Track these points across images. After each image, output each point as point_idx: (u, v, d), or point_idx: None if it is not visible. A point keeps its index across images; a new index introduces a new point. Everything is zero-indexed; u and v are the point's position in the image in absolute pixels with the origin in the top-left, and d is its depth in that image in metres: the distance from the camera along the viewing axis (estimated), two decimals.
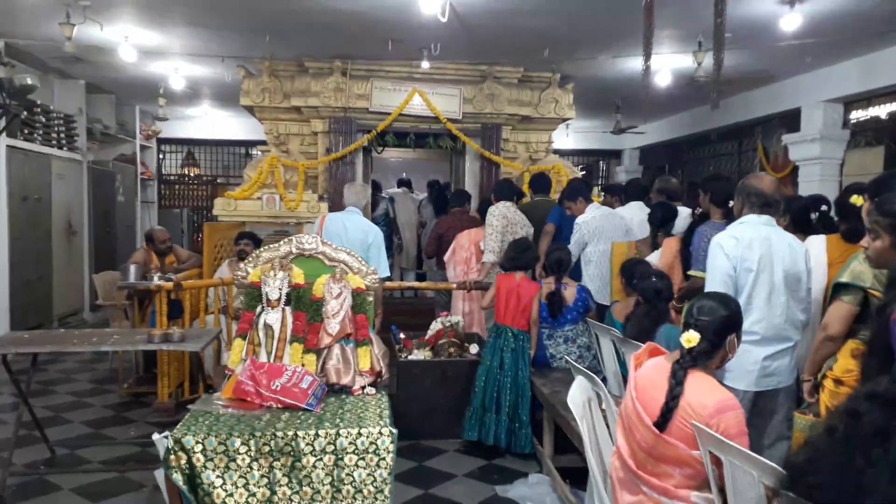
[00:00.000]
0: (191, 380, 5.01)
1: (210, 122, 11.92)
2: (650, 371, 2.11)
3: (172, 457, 2.87)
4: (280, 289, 3.72)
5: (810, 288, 2.97)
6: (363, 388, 3.59)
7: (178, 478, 2.85)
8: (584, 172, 8.52)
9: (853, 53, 6.49)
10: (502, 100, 7.14)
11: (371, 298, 3.94)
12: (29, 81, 6.31)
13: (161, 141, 12.39)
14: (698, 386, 1.99)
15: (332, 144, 7.02)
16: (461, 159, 7.59)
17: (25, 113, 6.94)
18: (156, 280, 4.98)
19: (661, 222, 4.26)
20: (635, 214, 4.97)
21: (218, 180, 13.01)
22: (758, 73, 7.38)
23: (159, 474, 3.10)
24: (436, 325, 4.76)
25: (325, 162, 6.99)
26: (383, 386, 3.72)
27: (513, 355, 4.09)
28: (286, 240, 3.95)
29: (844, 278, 2.52)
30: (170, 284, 4.75)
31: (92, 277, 6.26)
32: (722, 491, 1.85)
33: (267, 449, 2.92)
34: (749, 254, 2.77)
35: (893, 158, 6.65)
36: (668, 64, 6.77)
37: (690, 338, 2.05)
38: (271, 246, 3.94)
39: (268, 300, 3.70)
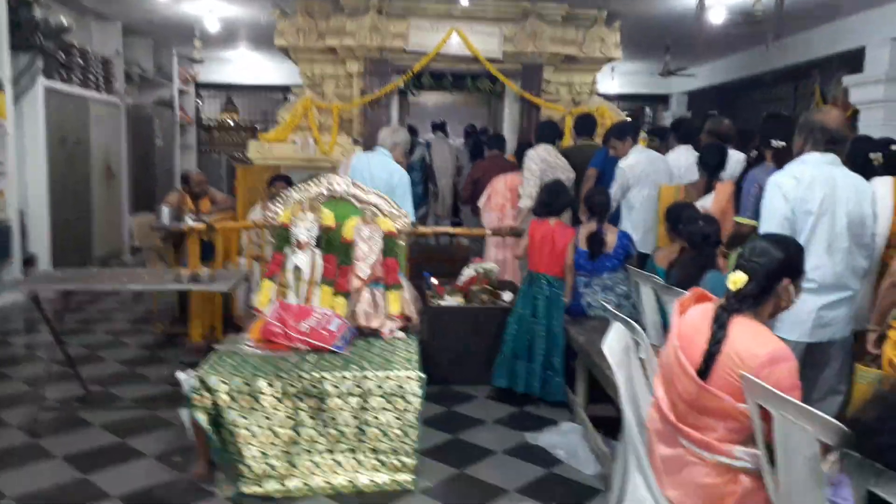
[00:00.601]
0: (223, 321, 5.00)
1: (248, 66, 11.80)
2: (695, 317, 1.94)
3: (196, 396, 2.83)
4: (309, 230, 3.62)
5: (875, 234, 2.73)
6: (392, 332, 3.51)
7: (201, 418, 2.81)
8: (629, 117, 8.13)
9: None
10: (545, 38, 6.80)
11: (402, 243, 3.83)
12: (64, 21, 6.24)
13: (200, 86, 12.35)
14: (747, 333, 1.82)
15: (367, 86, 6.82)
16: (500, 103, 7.32)
17: (62, 54, 6.91)
18: (188, 222, 4.94)
19: (713, 165, 4.00)
20: (683, 157, 4.70)
21: (257, 126, 12.95)
22: (821, 7, 6.87)
23: (184, 413, 3.09)
24: (468, 272, 4.63)
25: (360, 104, 6.81)
26: (414, 331, 3.62)
27: (546, 303, 3.95)
28: (316, 180, 3.83)
29: None
30: (202, 226, 4.71)
31: (129, 220, 6.26)
32: (769, 447, 1.70)
33: (292, 390, 2.86)
34: (810, 195, 2.54)
35: None
36: None
37: (737, 279, 1.86)
38: (301, 186, 3.84)
39: (297, 242, 3.61)
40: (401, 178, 4.23)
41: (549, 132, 5.17)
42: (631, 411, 2.06)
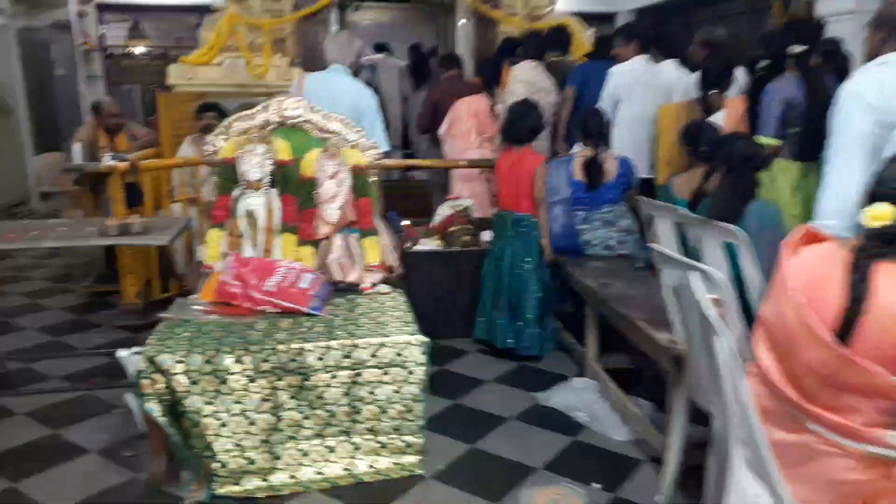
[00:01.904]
0: (160, 276, 4.33)
1: None
2: (815, 264, 1.51)
3: (146, 381, 2.25)
4: (261, 167, 3.00)
5: None
6: (374, 285, 2.98)
7: (154, 408, 2.25)
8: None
9: None
10: None
11: (374, 179, 3.25)
12: None
13: (102, 8, 10.93)
14: None
15: None
16: (451, 18, 6.65)
17: None
18: (108, 160, 4.18)
19: (716, 79, 3.55)
20: (670, 73, 4.24)
21: (170, 53, 11.67)
22: None
23: (131, 399, 2.50)
24: (444, 210, 4.10)
25: (294, 20, 6.00)
26: (396, 284, 3.11)
27: (511, 245, 3.49)
28: (262, 105, 3.17)
29: None
30: (124, 165, 3.96)
31: (33, 161, 5.37)
32: None
33: (267, 366, 2.32)
34: None
35: None
36: None
37: (882, 213, 1.43)
38: (244, 114, 3.17)
39: (247, 181, 2.99)
40: (369, 101, 3.61)
41: (535, 46, 4.57)
42: (730, 385, 1.63)
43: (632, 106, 4.02)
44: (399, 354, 2.41)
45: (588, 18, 12.51)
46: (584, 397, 2.96)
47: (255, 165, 2.98)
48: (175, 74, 5.56)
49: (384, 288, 2.97)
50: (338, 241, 3.05)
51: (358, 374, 2.39)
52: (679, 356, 2.21)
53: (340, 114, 3.25)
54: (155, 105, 5.29)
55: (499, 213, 3.62)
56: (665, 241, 2.92)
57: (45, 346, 3.69)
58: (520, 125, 3.50)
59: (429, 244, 3.92)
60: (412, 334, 2.44)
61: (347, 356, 2.37)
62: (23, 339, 3.78)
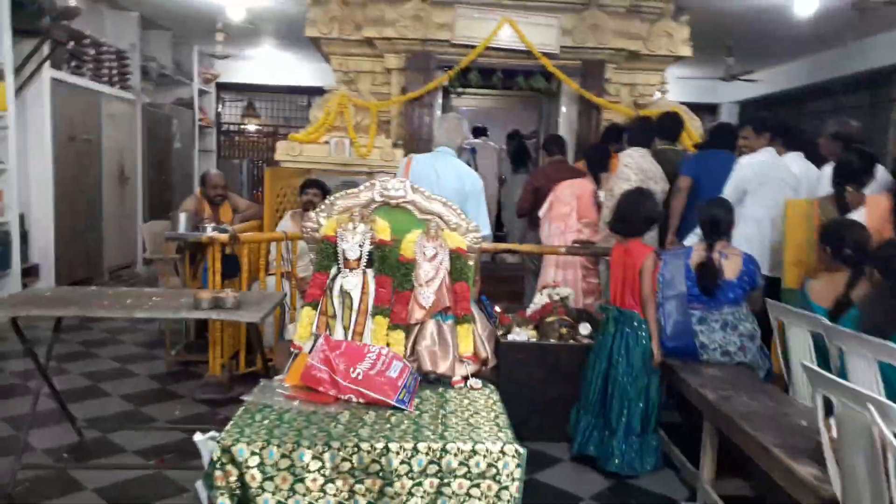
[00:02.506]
0: (247, 349, 4.27)
1: (272, 66, 11.14)
2: None
3: (219, 473, 2.09)
4: (361, 245, 2.88)
5: None
6: (465, 378, 2.75)
7: (224, 502, 2.06)
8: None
9: None
10: (606, 32, 6.06)
11: (471, 262, 3.07)
12: (72, 2, 5.58)
13: (220, 87, 11.73)
14: None
15: (409, 83, 6.11)
16: (554, 104, 6.58)
17: (72, 42, 6.25)
18: (209, 231, 4.23)
19: (855, 174, 3.23)
20: (797, 166, 3.92)
21: (279, 131, 12.30)
22: None
23: (201, 490, 2.33)
24: (541, 299, 3.87)
25: (401, 102, 6.10)
26: (487, 377, 2.87)
27: (611, 343, 3.19)
28: (367, 184, 3.09)
29: None
30: (225, 236, 3.99)
31: (142, 227, 5.57)
32: None
33: (347, 466, 2.11)
34: None
35: None
36: None
37: None
38: (349, 192, 3.10)
39: (345, 259, 2.87)
40: (473, 184, 3.50)
41: (644, 133, 4.38)
42: None
43: (760, 199, 3.71)
44: (491, 465, 2.14)
45: (692, 108, 12.33)
46: None
47: (354, 244, 2.87)
48: (283, 150, 5.70)
49: (476, 383, 2.73)
50: (430, 327, 2.86)
51: (445, 485, 2.13)
52: (832, 500, 1.83)
53: (445, 196, 3.13)
54: (260, 178, 5.42)
55: (604, 307, 3.34)
56: (799, 354, 2.56)
57: (125, 415, 3.64)
58: (633, 214, 3.26)
59: (522, 334, 3.67)
60: (507, 442, 2.17)
61: (435, 462, 2.13)
62: (105, 407, 3.76)
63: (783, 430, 2.36)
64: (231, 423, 2.23)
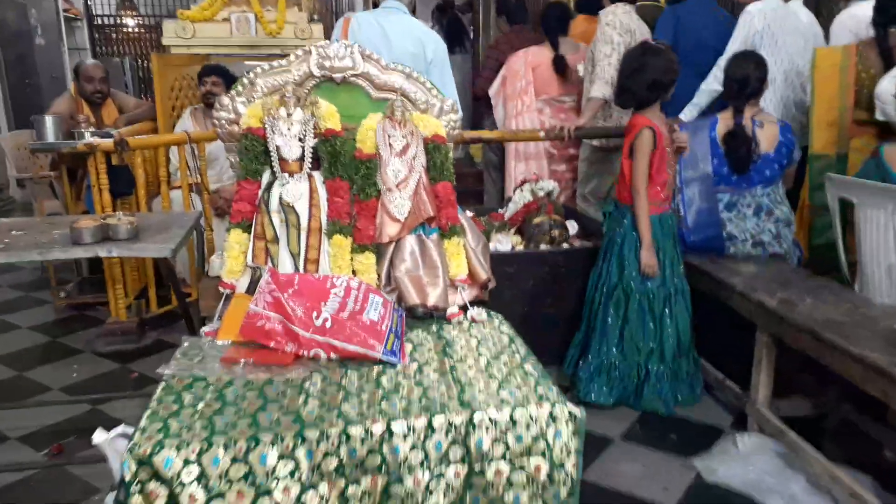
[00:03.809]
0: (158, 283, 3.43)
1: None
2: None
3: (138, 498, 1.35)
4: (301, 139, 2.08)
5: None
6: (464, 309, 2.07)
7: None
8: None
9: None
10: None
11: (451, 155, 2.32)
12: None
13: None
14: None
15: None
16: None
17: None
18: (87, 137, 3.26)
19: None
20: (806, 14, 3.30)
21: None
22: None
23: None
24: (521, 196, 3.18)
25: None
26: (487, 303, 2.21)
27: (619, 248, 2.59)
28: (299, 53, 2.23)
29: None
30: (109, 142, 3.04)
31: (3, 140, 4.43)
32: None
33: (334, 463, 1.43)
34: None
35: None
36: None
37: None
38: (273, 66, 2.23)
39: (281, 160, 2.08)
40: (437, 48, 2.70)
41: None
42: None
43: (772, 54, 3.07)
44: (539, 438, 1.51)
45: None
46: (764, 466, 2.07)
47: (292, 137, 2.06)
48: (172, 32, 4.58)
49: (479, 313, 2.07)
50: (409, 245, 2.14)
51: (476, 473, 1.49)
52: None
53: (401, 63, 2.32)
54: (146, 78, 4.36)
55: (612, 205, 2.70)
56: (877, 241, 2.01)
57: (5, 385, 2.79)
58: (635, 78, 2.54)
59: (505, 241, 3.01)
60: (556, 402, 1.53)
61: (458, 442, 1.48)
62: None
63: (879, 337, 1.84)
64: (146, 415, 1.48)
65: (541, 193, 3.15)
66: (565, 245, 2.97)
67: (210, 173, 3.68)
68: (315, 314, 1.78)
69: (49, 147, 3.32)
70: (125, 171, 3.28)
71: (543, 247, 2.95)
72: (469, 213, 3.19)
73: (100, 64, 4.07)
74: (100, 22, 10.49)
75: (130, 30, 10.60)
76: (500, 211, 3.38)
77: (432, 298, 2.04)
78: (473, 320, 2.03)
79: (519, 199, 3.19)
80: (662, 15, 3.68)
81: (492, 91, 4.12)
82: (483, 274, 2.15)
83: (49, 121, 3.41)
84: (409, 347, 1.85)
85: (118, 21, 10.57)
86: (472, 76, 5.52)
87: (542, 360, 2.09)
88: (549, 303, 2.81)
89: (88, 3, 10.12)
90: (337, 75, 2.22)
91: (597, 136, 3.48)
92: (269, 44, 4.69)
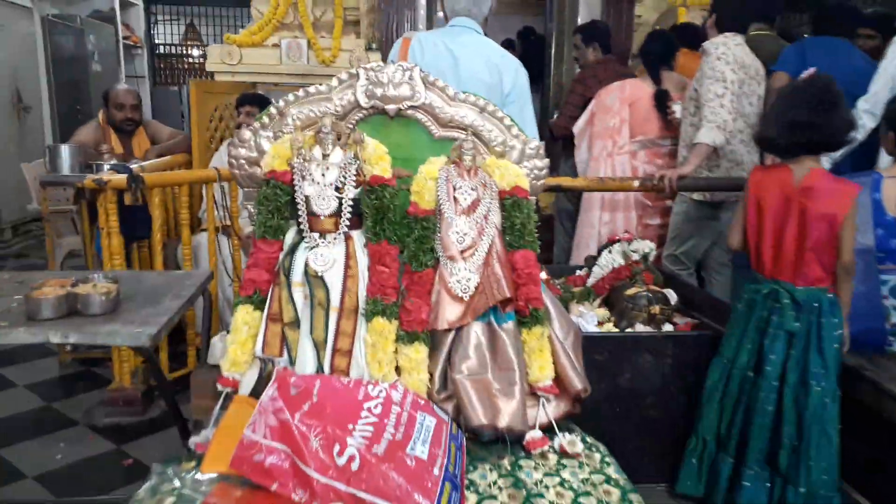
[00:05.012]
0: (171, 341, 2.95)
1: None
2: None
3: None
4: (340, 189, 1.55)
5: None
6: (547, 430, 1.47)
7: None
8: None
9: None
10: None
11: (534, 214, 1.74)
12: None
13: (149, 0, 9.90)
14: None
15: None
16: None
17: None
18: (105, 169, 2.85)
19: None
20: None
21: None
22: None
23: None
24: (610, 258, 2.58)
25: None
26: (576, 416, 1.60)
27: (796, 345, 1.91)
28: (343, 77, 1.71)
29: None
30: (121, 178, 2.59)
31: (24, 168, 4.09)
32: None
33: None
34: None
35: None
36: None
37: None
38: (310, 91, 1.72)
39: (311, 216, 1.54)
40: (517, 77, 2.17)
41: (735, 9, 2.96)
42: None
43: None
44: None
45: None
46: None
47: (327, 186, 1.54)
48: (217, 57, 4.22)
49: (572, 442, 1.46)
50: (475, 335, 1.57)
51: None
52: None
53: (473, 94, 1.77)
54: None
55: (752, 283, 2.05)
56: None
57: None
58: (818, 121, 1.88)
59: (589, 318, 2.40)
60: None
61: None
62: None
63: None
64: None
65: (635, 256, 2.55)
66: (668, 326, 2.35)
67: (243, 214, 3.21)
68: (338, 448, 1.22)
69: (56, 181, 2.91)
70: (144, 211, 2.83)
71: (640, 327, 2.33)
72: (542, 274, 2.63)
73: (132, 89, 3.68)
74: (163, 51, 10.49)
75: (194, 60, 10.55)
76: (579, 273, 2.79)
77: (505, 417, 1.45)
78: (564, 452, 1.44)
79: (607, 261, 2.59)
80: (786, 50, 3.09)
81: (576, 129, 3.56)
82: (577, 381, 1.55)
83: (65, 150, 3.02)
84: (471, 500, 1.26)
85: (183, 51, 10.54)
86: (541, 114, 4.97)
87: (641, 475, 1.49)
88: (651, 402, 2.18)
89: (151, 31, 10.11)
90: (391, 107, 1.69)
91: (702, 190, 2.86)
92: (322, 73, 4.27)
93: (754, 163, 2.92)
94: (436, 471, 1.24)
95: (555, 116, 4.15)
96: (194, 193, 3.43)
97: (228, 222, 3.03)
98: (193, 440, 1.45)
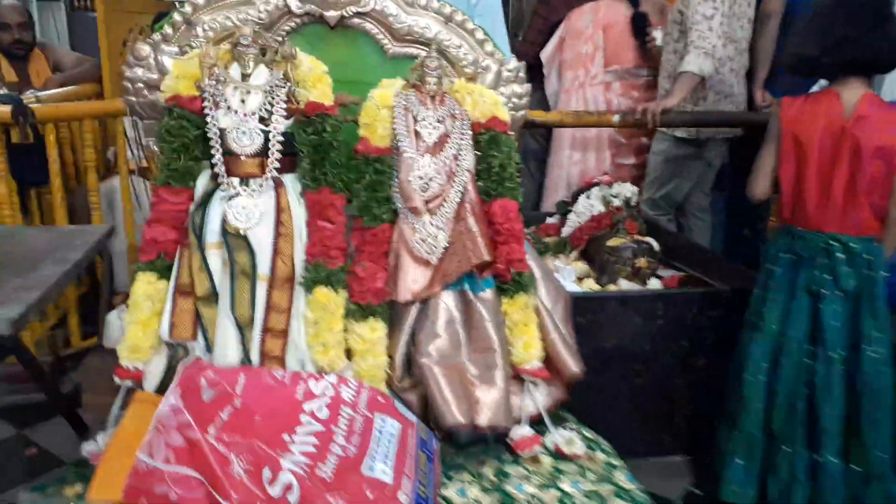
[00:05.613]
0: (83, 306, 2.54)
1: None
2: None
3: None
4: (265, 119, 1.18)
5: None
6: (539, 432, 1.18)
7: None
8: None
9: None
10: None
11: (516, 153, 1.40)
12: None
13: None
14: None
15: None
16: None
17: None
18: None
19: None
20: None
21: None
22: None
23: None
24: (588, 204, 2.27)
25: None
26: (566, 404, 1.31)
27: (848, 306, 1.65)
28: None
29: None
30: (5, 110, 2.12)
31: None
32: None
33: None
34: None
35: None
36: None
37: None
38: None
39: (228, 154, 1.17)
40: None
41: None
42: None
43: None
44: None
45: None
46: None
47: (249, 116, 1.16)
48: None
49: (570, 440, 1.17)
50: (448, 308, 1.25)
51: None
52: None
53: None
54: None
55: (790, 234, 1.73)
56: None
57: None
58: (868, 38, 1.56)
59: (566, 273, 2.11)
60: None
61: None
62: None
63: None
64: None
65: (616, 202, 2.25)
66: (655, 280, 2.08)
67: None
68: (269, 474, 0.90)
69: None
70: (38, 150, 2.38)
71: (624, 282, 2.05)
72: None
73: (17, 5, 3.12)
74: None
75: None
76: (550, 220, 2.49)
77: (485, 411, 1.15)
78: (560, 453, 1.15)
79: (584, 208, 2.28)
80: None
81: (544, 56, 3.17)
82: (571, 362, 1.26)
83: None
84: None
85: None
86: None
87: (628, 449, 1.23)
88: (639, 369, 1.92)
89: None
90: (331, 13, 1.32)
91: (688, 125, 2.56)
92: None
93: (744, 95, 2.64)
94: (401, 496, 0.93)
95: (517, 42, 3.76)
96: (106, 131, 2.96)
97: (146, 163, 2.59)
98: (86, 448, 1.12)
